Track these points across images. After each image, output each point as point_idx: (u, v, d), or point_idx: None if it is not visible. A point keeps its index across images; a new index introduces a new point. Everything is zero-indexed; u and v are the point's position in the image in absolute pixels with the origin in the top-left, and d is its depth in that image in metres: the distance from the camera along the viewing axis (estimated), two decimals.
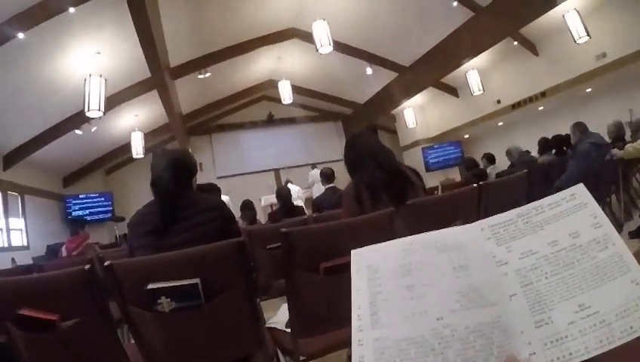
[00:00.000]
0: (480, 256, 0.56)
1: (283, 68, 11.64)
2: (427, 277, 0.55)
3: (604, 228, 0.55)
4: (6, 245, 8.56)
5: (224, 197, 10.79)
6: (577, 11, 8.48)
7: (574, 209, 0.58)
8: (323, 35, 7.97)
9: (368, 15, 9.64)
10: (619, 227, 4.75)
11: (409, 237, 0.60)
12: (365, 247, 0.61)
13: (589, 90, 10.22)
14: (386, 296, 0.55)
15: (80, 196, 12.09)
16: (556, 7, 8.09)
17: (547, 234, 0.56)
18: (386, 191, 2.35)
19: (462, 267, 0.55)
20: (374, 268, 0.58)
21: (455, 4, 8.94)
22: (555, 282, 0.52)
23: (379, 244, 0.61)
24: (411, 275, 0.56)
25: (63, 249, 5.72)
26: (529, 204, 0.60)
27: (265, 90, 13.96)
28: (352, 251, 0.61)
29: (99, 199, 12.57)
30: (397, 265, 0.57)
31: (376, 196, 2.37)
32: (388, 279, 0.56)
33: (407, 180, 2.48)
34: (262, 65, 11.90)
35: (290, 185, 11.18)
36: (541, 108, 11.47)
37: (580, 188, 0.60)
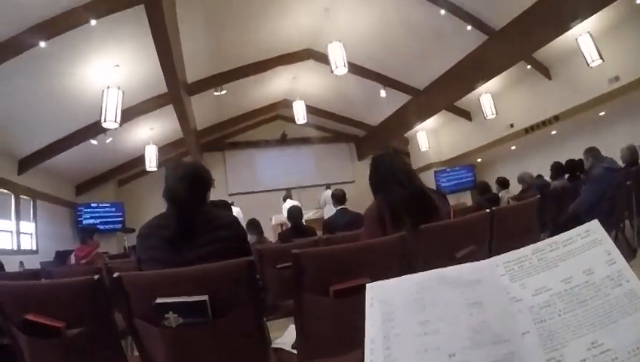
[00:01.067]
0: (494, 293, 0.56)
1: (298, 88, 11.75)
2: (441, 313, 0.55)
3: (617, 265, 0.54)
4: (15, 248, 8.64)
5: (234, 209, 10.81)
6: (590, 35, 8.51)
7: (589, 245, 0.57)
8: (338, 56, 8.04)
9: (383, 38, 9.71)
10: (632, 252, 4.71)
11: (424, 273, 0.60)
12: (380, 281, 0.61)
13: (602, 113, 10.16)
14: (399, 330, 0.54)
15: (92, 205, 12.18)
16: (569, 31, 8.11)
17: (561, 270, 0.56)
18: (408, 214, 2.32)
19: (476, 304, 0.55)
20: (388, 302, 0.58)
21: (469, 28, 8.98)
22: (568, 319, 0.51)
23: (394, 279, 0.61)
24: (425, 311, 0.55)
25: (72, 256, 5.74)
26: (544, 241, 0.60)
27: (279, 110, 14.09)
28: (367, 285, 0.61)
29: (110, 209, 12.65)
30: (411, 301, 0.57)
31: (397, 218, 2.34)
32: (402, 314, 0.56)
33: (430, 203, 2.45)
34: (277, 84, 12.01)
35: (289, 201, 11.19)
36: (554, 132, 11.41)
37: (595, 224, 0.59)
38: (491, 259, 0.60)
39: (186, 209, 1.93)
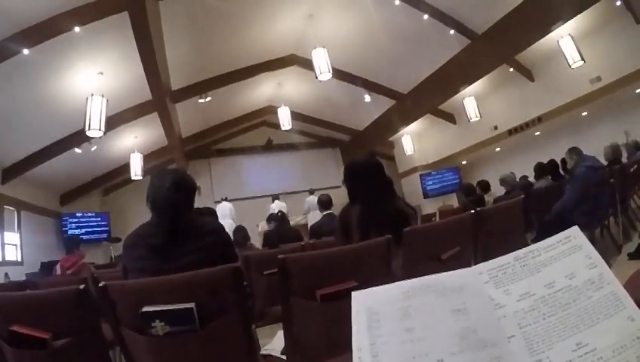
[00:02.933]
0: (478, 299, 0.57)
1: (283, 94, 11.77)
2: (427, 321, 0.55)
3: (598, 269, 0.55)
4: (0, 259, 8.49)
5: (226, 205, 10.81)
6: (571, 36, 8.66)
7: (570, 251, 0.58)
8: (322, 62, 8.08)
9: (367, 43, 9.78)
10: (618, 249, 4.77)
11: (408, 281, 0.60)
12: (365, 290, 0.61)
13: (584, 113, 10.34)
14: (386, 338, 0.55)
15: (77, 215, 12.04)
16: (551, 33, 8.28)
17: (544, 276, 0.57)
18: (375, 229, 2.27)
19: (461, 310, 0.56)
20: (374, 310, 0.58)
21: (452, 32, 9.09)
22: (552, 322, 0.52)
23: (378, 287, 0.61)
24: (411, 318, 0.56)
25: (58, 267, 5.68)
26: (526, 248, 0.61)
27: (264, 116, 14.07)
28: (352, 293, 0.61)
29: (95, 219, 12.52)
30: (397, 308, 0.57)
31: (365, 232, 2.33)
32: (388, 322, 0.56)
33: (399, 219, 2.41)
34: (262, 91, 12.01)
35: (277, 202, 11.23)
36: (538, 133, 11.57)
37: (575, 230, 0.60)
38: (474, 266, 0.60)
39: (175, 216, 1.92)
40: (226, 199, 11.63)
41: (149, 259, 1.85)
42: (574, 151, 5.40)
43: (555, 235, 0.61)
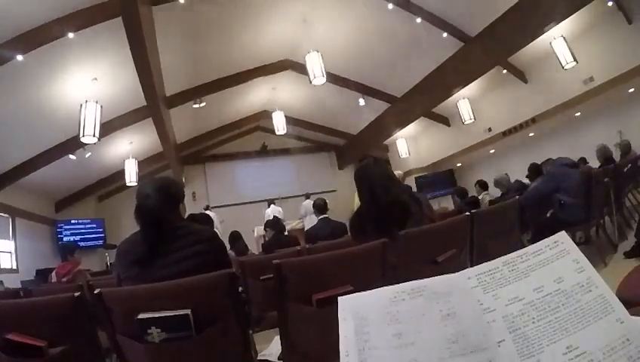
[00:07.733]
0: (467, 304, 0.57)
1: (277, 99, 11.76)
2: (416, 325, 0.56)
3: (586, 272, 0.56)
4: None
5: (210, 214, 10.78)
6: (564, 38, 8.72)
7: (557, 255, 0.59)
8: (316, 66, 8.09)
9: (361, 47, 9.82)
10: (613, 247, 4.79)
11: (396, 286, 0.60)
12: (352, 295, 0.61)
13: (578, 114, 10.39)
14: (374, 344, 0.55)
15: (72, 221, 11.99)
16: (543, 35, 8.30)
17: (532, 280, 0.57)
18: (375, 224, 2.33)
19: (450, 315, 0.56)
20: (362, 315, 0.58)
21: (445, 35, 9.13)
22: (542, 326, 0.53)
23: (365, 292, 0.61)
24: (400, 323, 0.56)
25: (53, 274, 5.64)
26: (514, 253, 0.61)
27: (259, 121, 14.09)
28: (338, 298, 0.61)
29: (91, 226, 12.48)
30: (384, 313, 0.57)
31: (367, 228, 2.37)
32: (376, 327, 0.56)
33: (403, 212, 2.42)
34: (256, 96, 12.01)
35: (272, 206, 11.21)
36: (532, 134, 11.61)
37: (562, 235, 0.61)
38: (463, 271, 0.61)
39: (154, 224, 1.90)
40: (207, 208, 11.49)
41: (136, 268, 1.84)
42: (548, 162, 5.62)
43: (543, 240, 0.61)
